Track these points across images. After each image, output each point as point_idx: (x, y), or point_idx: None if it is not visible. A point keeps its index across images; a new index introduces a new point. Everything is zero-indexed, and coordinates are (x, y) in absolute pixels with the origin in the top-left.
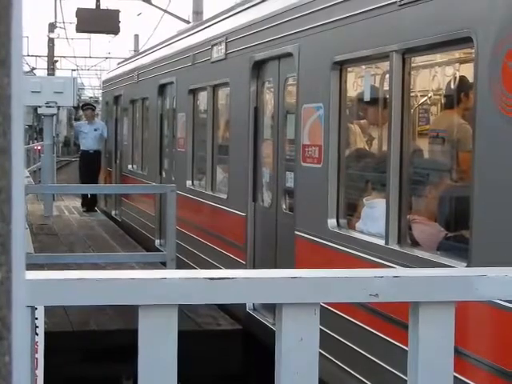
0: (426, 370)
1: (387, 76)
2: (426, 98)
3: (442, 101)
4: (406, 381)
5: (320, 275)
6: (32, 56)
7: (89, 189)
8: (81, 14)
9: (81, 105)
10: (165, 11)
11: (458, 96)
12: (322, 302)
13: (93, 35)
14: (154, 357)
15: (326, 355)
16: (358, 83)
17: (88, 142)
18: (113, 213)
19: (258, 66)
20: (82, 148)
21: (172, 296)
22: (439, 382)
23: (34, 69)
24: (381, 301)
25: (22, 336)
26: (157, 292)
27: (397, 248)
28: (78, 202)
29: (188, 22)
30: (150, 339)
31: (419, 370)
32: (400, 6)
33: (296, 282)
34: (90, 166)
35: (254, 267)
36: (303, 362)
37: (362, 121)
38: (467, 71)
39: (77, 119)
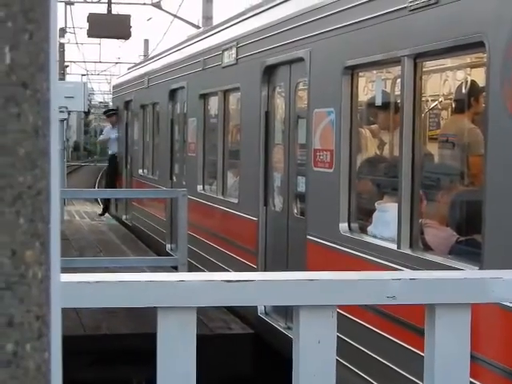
0: (443, 371)
1: (398, 81)
2: (437, 102)
3: (453, 105)
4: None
5: (337, 277)
6: None
7: (101, 193)
8: (92, 19)
9: (104, 111)
10: (175, 16)
11: (468, 100)
12: (338, 305)
13: (103, 40)
14: (172, 359)
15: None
16: (369, 88)
17: (115, 147)
18: (123, 217)
19: (269, 71)
20: (110, 152)
21: (190, 298)
22: (456, 383)
23: None
24: (397, 303)
25: (57, 335)
26: (175, 294)
27: (409, 252)
28: (88, 207)
29: (198, 27)
30: (169, 341)
31: (435, 371)
32: (411, 11)
33: (313, 284)
34: (116, 169)
35: (265, 272)
36: (321, 364)
37: (373, 125)
38: (478, 75)
39: (86, 124)
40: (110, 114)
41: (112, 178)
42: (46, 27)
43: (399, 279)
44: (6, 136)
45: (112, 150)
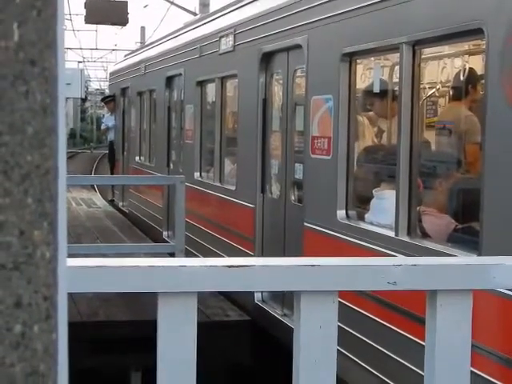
0: (444, 357)
1: (397, 68)
2: (435, 89)
3: (451, 92)
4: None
5: (338, 263)
6: None
7: (99, 180)
8: (90, 5)
9: (101, 98)
10: (171, 3)
11: (466, 88)
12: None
13: (100, 27)
14: (173, 344)
15: None
16: (366, 75)
17: (113, 134)
18: (120, 204)
19: (267, 58)
20: (110, 140)
21: (191, 283)
22: (457, 370)
23: None
24: (398, 289)
25: (64, 316)
26: (176, 279)
27: (407, 239)
28: (85, 194)
29: (195, 14)
30: (170, 326)
31: (436, 358)
32: None
33: (314, 269)
34: (114, 156)
35: None
36: (322, 349)
37: (371, 112)
38: (477, 63)
39: (83, 111)
40: (108, 100)
41: (111, 164)
42: (53, 4)
43: (400, 265)
44: (14, 114)
45: (110, 136)
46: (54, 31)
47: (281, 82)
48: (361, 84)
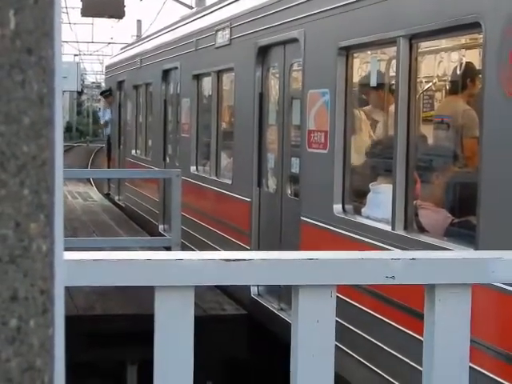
0: (442, 352)
1: (393, 62)
2: (431, 83)
3: (449, 86)
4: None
5: (337, 257)
6: None
7: (95, 173)
8: None
9: (99, 92)
10: None
11: (464, 82)
12: (338, 284)
13: (96, 20)
14: (170, 338)
15: None
16: (363, 69)
17: (110, 127)
18: (116, 198)
19: (263, 52)
20: (107, 134)
21: (188, 277)
22: (455, 364)
23: None
24: (397, 283)
25: (61, 310)
26: (173, 273)
27: (403, 233)
28: (81, 188)
29: (191, 8)
30: (167, 320)
31: (435, 352)
32: None
33: (312, 263)
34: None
35: None
36: (319, 344)
37: (367, 106)
38: (475, 57)
39: (79, 105)
40: (107, 94)
41: (109, 158)
42: None
43: (399, 259)
44: (10, 104)
45: (108, 131)
46: (51, 19)
47: (277, 75)
48: (357, 78)
